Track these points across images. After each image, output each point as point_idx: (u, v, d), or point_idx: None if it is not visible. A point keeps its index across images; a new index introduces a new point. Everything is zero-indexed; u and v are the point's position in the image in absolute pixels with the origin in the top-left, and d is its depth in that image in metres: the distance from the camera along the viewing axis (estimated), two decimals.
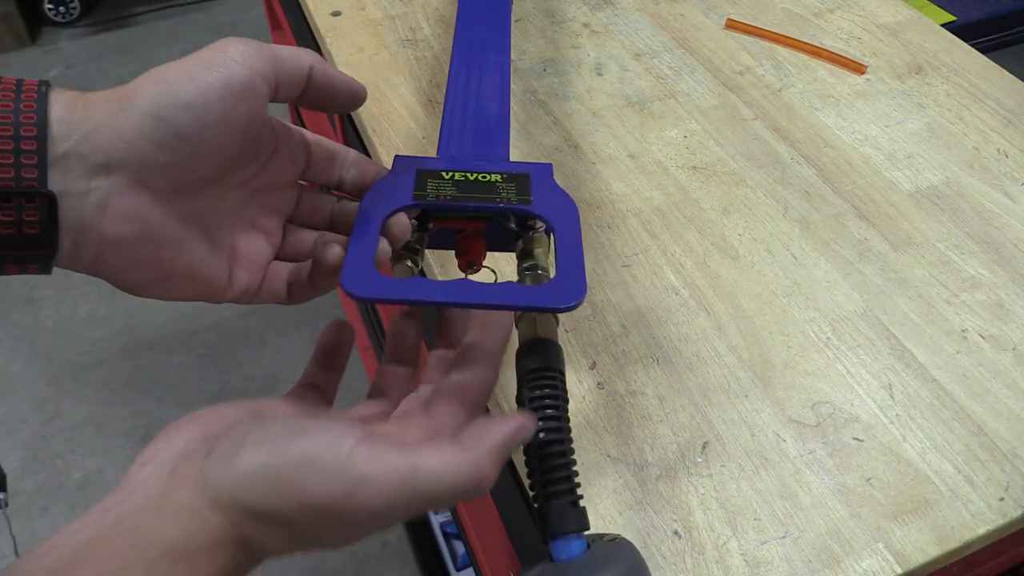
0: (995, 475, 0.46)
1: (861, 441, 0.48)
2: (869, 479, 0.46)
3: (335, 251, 0.37)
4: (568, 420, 0.36)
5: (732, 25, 0.79)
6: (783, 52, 0.77)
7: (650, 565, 0.42)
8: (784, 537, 0.43)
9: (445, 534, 1.25)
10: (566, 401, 0.36)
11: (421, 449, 0.30)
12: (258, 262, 0.40)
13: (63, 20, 2.49)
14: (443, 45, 0.76)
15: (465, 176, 0.41)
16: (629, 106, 0.70)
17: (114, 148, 0.33)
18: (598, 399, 0.49)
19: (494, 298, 0.35)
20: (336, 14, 0.79)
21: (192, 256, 0.36)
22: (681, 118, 0.69)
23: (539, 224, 0.42)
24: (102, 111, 0.33)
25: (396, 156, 0.43)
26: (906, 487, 0.46)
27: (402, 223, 0.38)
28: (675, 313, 0.54)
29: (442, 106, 0.64)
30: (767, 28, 0.78)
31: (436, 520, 1.27)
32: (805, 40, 0.77)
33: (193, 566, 0.28)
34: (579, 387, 0.50)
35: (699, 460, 0.47)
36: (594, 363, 0.51)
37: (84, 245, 0.34)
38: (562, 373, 0.37)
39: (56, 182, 0.32)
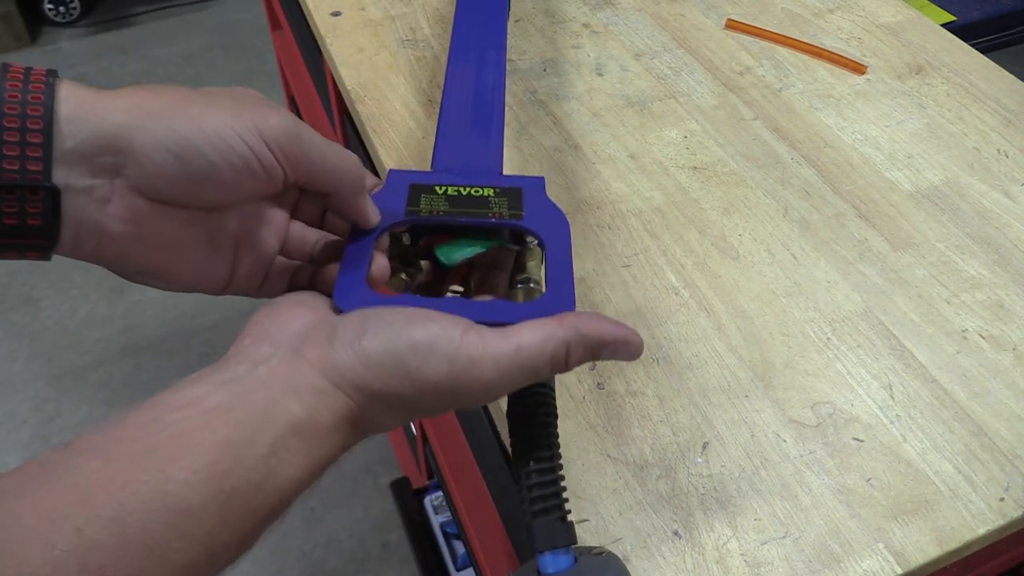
0: (995, 475, 0.46)
1: (861, 441, 0.48)
2: (869, 479, 0.46)
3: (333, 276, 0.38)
4: (557, 436, 0.37)
5: (732, 25, 0.79)
6: (783, 52, 0.77)
7: (650, 565, 0.42)
8: (784, 537, 0.43)
9: (445, 534, 1.25)
10: (555, 417, 0.37)
11: (521, 329, 0.33)
12: (262, 260, 0.40)
13: (63, 20, 2.49)
14: (443, 45, 0.76)
15: (458, 191, 0.42)
16: (629, 106, 0.70)
17: (123, 157, 0.33)
18: (598, 399, 0.49)
19: (485, 315, 0.36)
20: (336, 14, 0.79)
21: (192, 256, 0.37)
22: (681, 118, 0.69)
23: (532, 238, 0.42)
24: (117, 117, 0.33)
25: (391, 170, 0.43)
26: (906, 487, 0.46)
27: (381, 266, 0.39)
28: (675, 313, 0.54)
29: (439, 105, 0.64)
30: (767, 28, 0.78)
31: (436, 520, 1.27)
32: (805, 40, 0.77)
33: (314, 442, 0.31)
34: (579, 387, 0.50)
35: (699, 460, 0.47)
36: (594, 363, 0.51)
37: (84, 237, 0.34)
38: (552, 389, 0.38)
39: (60, 176, 0.32)
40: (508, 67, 0.71)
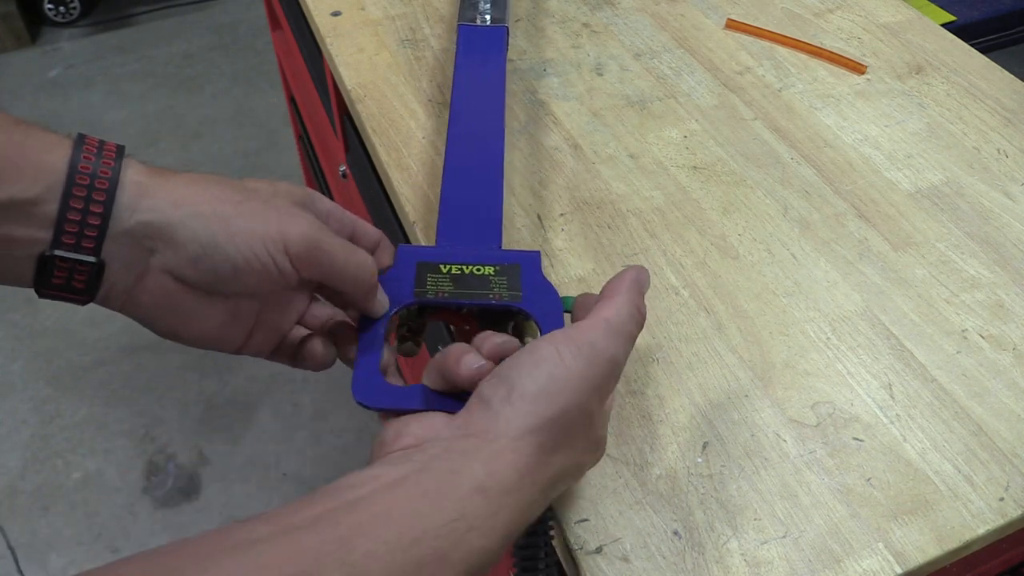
0: (995, 475, 0.46)
1: (861, 441, 0.48)
2: (869, 479, 0.46)
3: (317, 348, 0.44)
4: (551, 508, 0.41)
5: (732, 25, 0.79)
6: (783, 52, 0.77)
7: (650, 565, 0.42)
8: (784, 537, 0.43)
9: None
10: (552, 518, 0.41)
11: (597, 311, 0.38)
12: (277, 333, 0.44)
13: (63, 20, 2.49)
14: (443, 45, 0.76)
15: (461, 269, 0.46)
16: (629, 106, 0.70)
17: (162, 245, 0.37)
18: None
19: None
20: (336, 14, 0.79)
21: (211, 324, 0.41)
22: (681, 118, 0.69)
23: None
24: (166, 210, 0.37)
25: (399, 247, 0.47)
26: (906, 487, 0.46)
27: (388, 361, 0.42)
28: (675, 313, 0.54)
29: (439, 107, 0.65)
30: (767, 28, 0.78)
31: None
32: (805, 40, 0.77)
33: (502, 503, 0.32)
34: None
35: (699, 460, 0.47)
36: None
37: (115, 297, 0.38)
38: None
39: (106, 250, 0.36)
40: (508, 67, 0.71)
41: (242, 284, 0.39)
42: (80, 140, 0.36)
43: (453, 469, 0.32)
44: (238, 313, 0.41)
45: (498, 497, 0.32)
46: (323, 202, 0.44)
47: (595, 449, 0.38)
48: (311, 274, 0.41)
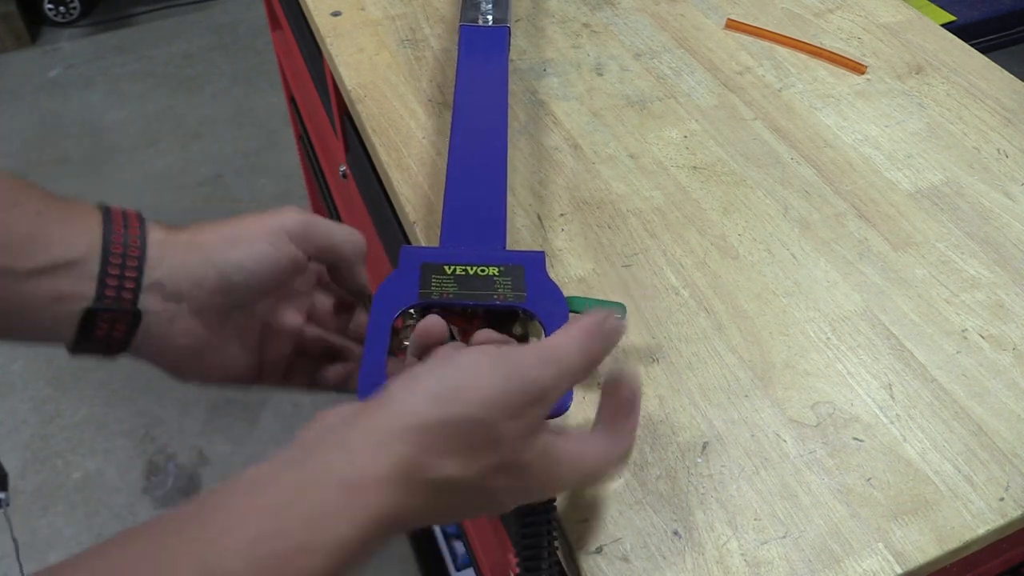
0: (995, 475, 0.46)
1: (861, 441, 0.48)
2: (869, 479, 0.46)
3: (335, 371, 0.49)
4: (555, 509, 0.41)
5: (732, 25, 0.79)
6: (783, 52, 0.77)
7: (650, 565, 0.42)
8: (784, 537, 0.43)
9: (445, 534, 1.25)
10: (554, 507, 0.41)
11: (545, 339, 0.38)
12: (282, 348, 0.48)
13: (63, 20, 2.49)
14: (443, 45, 0.76)
15: (465, 270, 0.46)
16: (629, 106, 0.70)
17: (186, 285, 0.42)
18: (598, 399, 0.49)
19: None
20: (336, 14, 0.79)
21: (227, 356, 0.46)
22: (681, 118, 0.69)
23: None
24: (181, 254, 0.42)
25: (403, 248, 0.48)
26: (906, 487, 0.46)
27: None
28: (675, 313, 0.54)
29: (439, 107, 0.65)
30: (767, 28, 0.78)
31: None
32: (805, 40, 0.77)
33: (366, 497, 0.32)
34: (579, 387, 0.50)
35: (699, 460, 0.47)
36: None
37: (147, 346, 0.43)
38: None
39: (142, 302, 0.41)
40: (508, 67, 0.71)
41: (257, 283, 0.44)
42: (107, 212, 0.42)
43: (319, 463, 0.32)
44: (247, 332, 0.46)
45: (365, 489, 0.32)
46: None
47: (511, 477, 0.36)
48: (309, 248, 0.45)
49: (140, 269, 0.41)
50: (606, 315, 0.38)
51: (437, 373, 0.35)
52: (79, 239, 0.40)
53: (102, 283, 0.40)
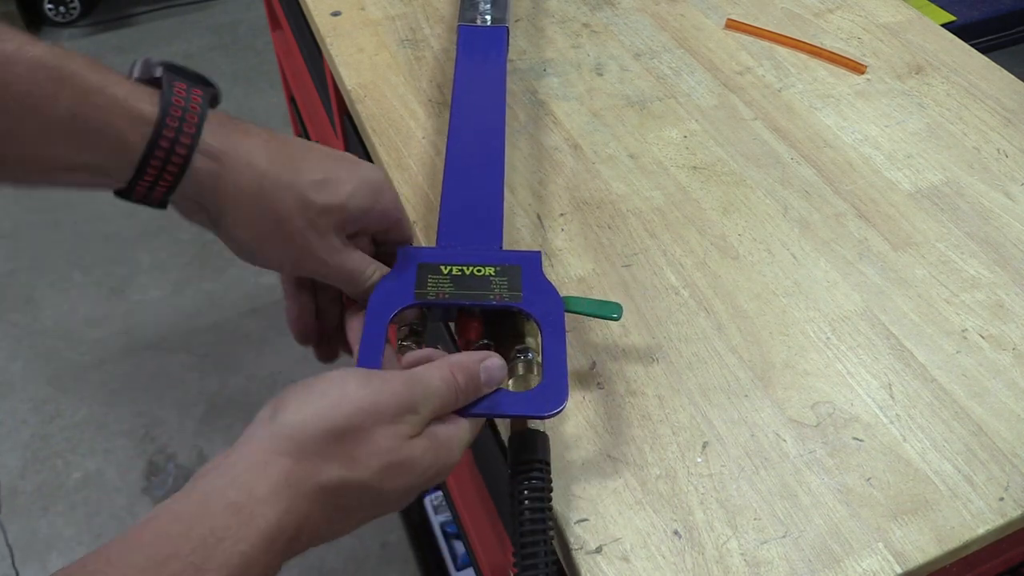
0: (995, 475, 0.46)
1: (861, 441, 0.48)
2: (869, 479, 0.46)
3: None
4: (551, 510, 0.41)
5: (732, 25, 0.79)
6: (783, 52, 0.77)
7: (650, 565, 0.42)
8: (784, 537, 0.43)
9: (445, 534, 1.25)
10: (550, 490, 0.41)
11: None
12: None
13: (63, 20, 2.49)
14: (443, 45, 0.76)
15: (462, 270, 0.46)
16: (629, 106, 0.70)
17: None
18: (598, 399, 0.49)
19: (485, 407, 0.41)
20: (336, 14, 0.79)
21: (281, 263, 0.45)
22: (681, 118, 0.69)
23: None
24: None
25: (399, 248, 0.48)
26: (906, 487, 0.46)
27: (388, 358, 0.44)
28: (675, 313, 0.54)
29: (439, 107, 0.65)
30: (767, 28, 0.78)
31: (436, 520, 1.27)
32: (805, 40, 0.77)
33: (255, 513, 0.32)
34: (579, 387, 0.50)
35: (699, 460, 0.47)
36: (594, 363, 0.51)
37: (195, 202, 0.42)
38: (548, 463, 0.42)
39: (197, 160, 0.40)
40: (508, 67, 0.71)
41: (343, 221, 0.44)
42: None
43: (206, 490, 0.33)
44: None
45: (253, 506, 0.32)
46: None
47: (402, 473, 0.37)
48: (378, 209, 0.46)
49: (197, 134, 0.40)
50: (483, 358, 0.41)
51: (310, 390, 0.36)
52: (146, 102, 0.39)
53: (164, 113, 0.39)
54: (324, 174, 0.43)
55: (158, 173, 0.39)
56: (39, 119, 0.37)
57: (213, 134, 0.40)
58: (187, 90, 0.40)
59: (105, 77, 0.38)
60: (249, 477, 0.33)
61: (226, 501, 0.32)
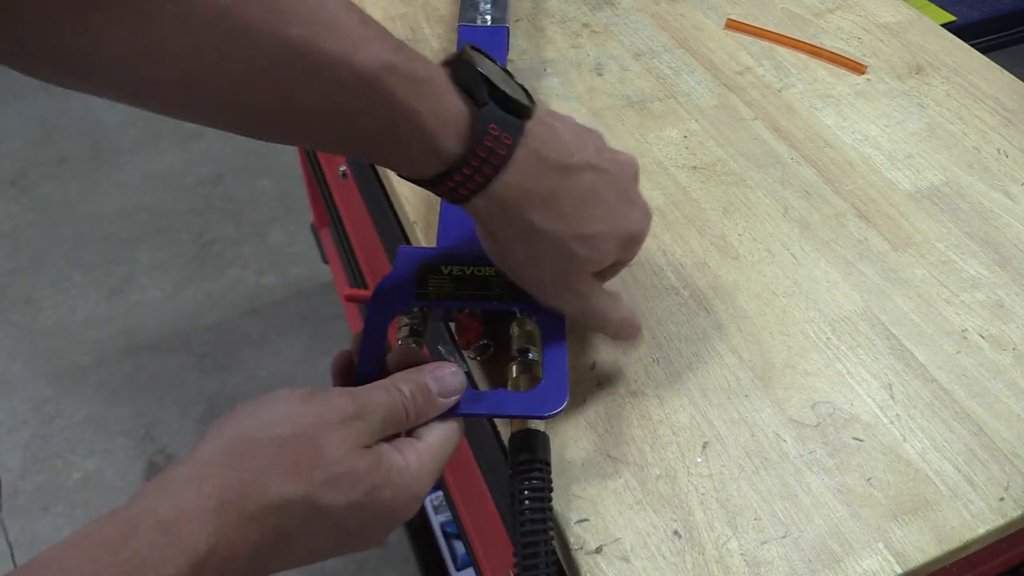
0: (995, 475, 0.46)
1: (861, 441, 0.48)
2: (869, 479, 0.46)
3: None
4: (551, 509, 0.41)
5: (732, 25, 0.79)
6: (783, 52, 0.77)
7: (650, 565, 0.42)
8: (784, 537, 0.43)
9: (445, 534, 1.25)
10: (551, 490, 0.41)
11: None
12: None
13: None
14: (443, 45, 0.76)
15: (463, 271, 0.46)
16: (629, 106, 0.70)
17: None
18: (598, 399, 0.49)
19: (486, 407, 0.42)
20: None
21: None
22: (681, 118, 0.69)
23: None
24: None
25: (400, 248, 0.48)
26: (906, 487, 0.46)
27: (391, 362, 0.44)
28: (675, 313, 0.54)
29: None
30: (767, 28, 0.78)
31: (436, 520, 1.27)
32: (805, 40, 0.77)
33: (186, 531, 0.31)
34: (579, 387, 0.50)
35: (699, 460, 0.47)
36: (594, 363, 0.51)
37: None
38: (548, 464, 0.42)
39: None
40: (508, 67, 0.71)
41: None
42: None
43: (141, 508, 0.32)
44: None
45: (184, 524, 0.31)
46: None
47: (345, 489, 0.35)
48: None
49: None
50: (432, 368, 0.40)
51: (256, 405, 0.36)
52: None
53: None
54: (591, 228, 0.42)
55: (441, 192, 0.41)
56: (345, 129, 0.38)
57: (503, 184, 0.40)
58: (498, 136, 0.39)
59: (420, 101, 0.38)
60: (182, 492, 0.32)
61: (156, 519, 0.31)
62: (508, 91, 0.40)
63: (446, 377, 0.40)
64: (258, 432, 0.35)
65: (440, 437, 0.40)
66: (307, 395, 0.36)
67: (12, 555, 1.35)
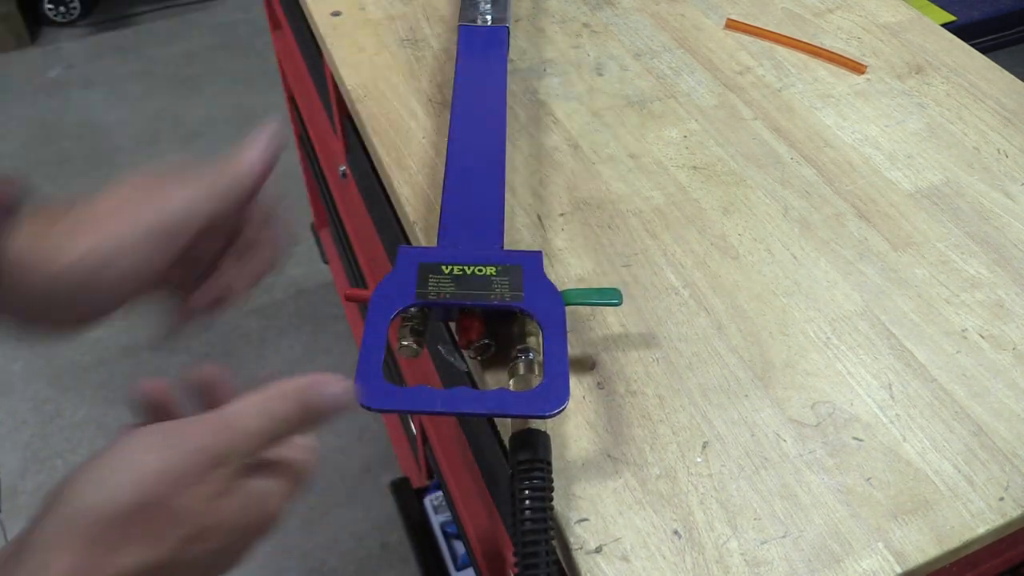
0: (995, 475, 0.46)
1: (861, 441, 0.48)
2: (869, 479, 0.46)
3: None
4: (552, 509, 0.41)
5: (732, 25, 0.79)
6: (783, 52, 0.77)
7: (650, 565, 0.42)
8: (784, 537, 0.43)
9: (445, 534, 1.25)
10: (551, 490, 0.41)
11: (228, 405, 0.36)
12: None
13: (63, 20, 2.49)
14: (443, 45, 0.76)
15: (463, 270, 0.46)
16: (629, 106, 0.70)
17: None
18: (598, 399, 0.49)
19: (486, 407, 0.42)
20: (336, 14, 0.79)
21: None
22: (681, 118, 0.69)
23: None
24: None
25: (400, 248, 0.48)
26: (906, 487, 0.46)
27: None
28: (675, 313, 0.54)
29: (439, 107, 0.65)
30: (767, 28, 0.78)
31: (436, 520, 1.27)
32: (805, 40, 0.77)
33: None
34: (579, 387, 0.50)
35: (699, 460, 0.47)
36: (594, 363, 0.51)
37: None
38: (549, 463, 0.42)
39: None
40: (508, 67, 0.71)
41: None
42: None
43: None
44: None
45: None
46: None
47: (213, 539, 0.33)
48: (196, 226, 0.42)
49: None
50: (317, 381, 0.36)
51: (100, 467, 0.32)
52: None
53: None
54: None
55: None
56: None
57: None
58: None
59: None
60: (31, 572, 0.29)
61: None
62: None
63: (326, 385, 0.36)
64: (105, 503, 0.31)
65: (306, 454, 0.37)
66: (159, 443, 0.33)
67: None
